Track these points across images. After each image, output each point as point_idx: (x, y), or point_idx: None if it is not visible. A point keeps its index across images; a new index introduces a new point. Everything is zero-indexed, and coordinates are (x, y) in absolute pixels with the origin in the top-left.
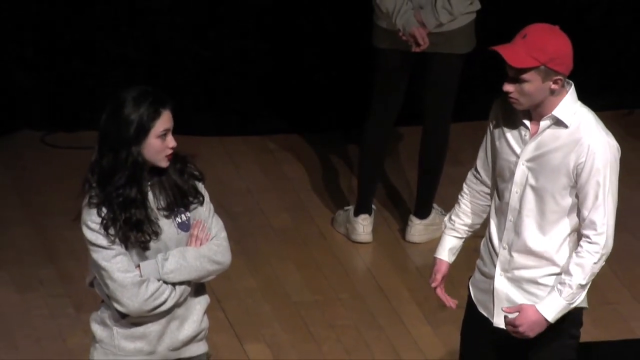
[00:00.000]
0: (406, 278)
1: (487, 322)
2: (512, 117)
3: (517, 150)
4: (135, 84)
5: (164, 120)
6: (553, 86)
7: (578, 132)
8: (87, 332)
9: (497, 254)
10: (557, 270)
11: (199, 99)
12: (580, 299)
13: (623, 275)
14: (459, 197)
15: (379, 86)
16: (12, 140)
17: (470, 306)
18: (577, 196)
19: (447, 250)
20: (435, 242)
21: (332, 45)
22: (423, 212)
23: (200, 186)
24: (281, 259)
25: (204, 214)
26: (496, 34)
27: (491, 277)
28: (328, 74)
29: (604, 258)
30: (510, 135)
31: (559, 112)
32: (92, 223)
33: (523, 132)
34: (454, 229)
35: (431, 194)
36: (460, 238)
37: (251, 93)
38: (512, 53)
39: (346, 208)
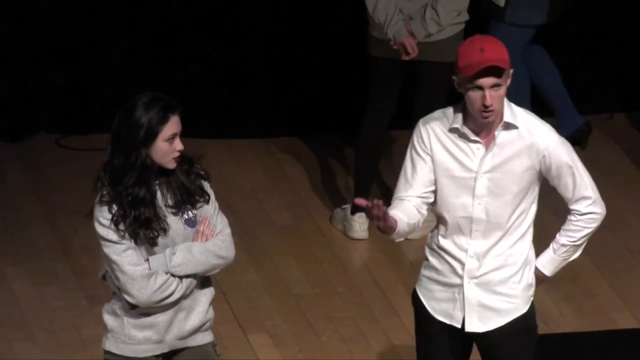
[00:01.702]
0: (401, 272)
1: (449, 328)
2: (452, 136)
3: (472, 165)
4: (145, 89)
5: (172, 125)
6: (508, 82)
7: (528, 130)
8: (100, 323)
9: (461, 264)
10: (524, 265)
11: (205, 104)
12: (576, 255)
13: (604, 268)
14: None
15: (374, 92)
16: (29, 144)
17: (426, 317)
18: (550, 182)
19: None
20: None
21: (330, 55)
22: None
23: (206, 185)
24: (282, 254)
25: (210, 211)
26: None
27: (455, 286)
28: (327, 81)
29: (601, 219)
30: (459, 152)
31: (507, 117)
32: (103, 219)
33: (475, 147)
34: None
35: None
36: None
37: (254, 98)
38: (497, 62)
39: (344, 206)
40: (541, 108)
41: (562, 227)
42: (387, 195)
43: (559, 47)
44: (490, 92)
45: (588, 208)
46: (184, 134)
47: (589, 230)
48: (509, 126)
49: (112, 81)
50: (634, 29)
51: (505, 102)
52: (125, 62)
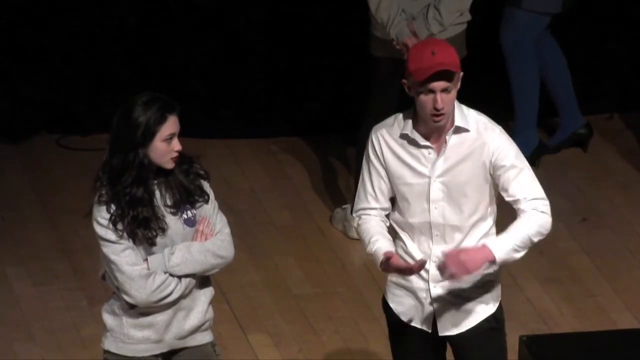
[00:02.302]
0: None
1: (420, 333)
2: (403, 142)
3: (424, 170)
4: (145, 90)
5: (170, 125)
6: (458, 86)
7: (478, 132)
8: (100, 323)
9: (425, 269)
10: (489, 264)
11: (206, 104)
12: (520, 255)
13: (604, 268)
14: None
15: (375, 92)
16: (30, 144)
17: (397, 323)
18: (498, 186)
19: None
20: None
21: (330, 55)
22: None
23: (206, 185)
24: (282, 254)
25: (209, 210)
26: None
27: (421, 290)
28: (327, 81)
29: (549, 228)
30: (410, 158)
31: (457, 120)
32: (101, 219)
33: (426, 152)
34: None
35: None
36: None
37: (255, 99)
38: (448, 66)
39: (344, 206)
40: (547, 105)
41: (513, 223)
42: None
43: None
44: (442, 95)
45: (543, 207)
46: (184, 134)
47: (540, 230)
48: (459, 130)
49: (113, 81)
50: (634, 29)
51: (457, 104)
52: (126, 62)
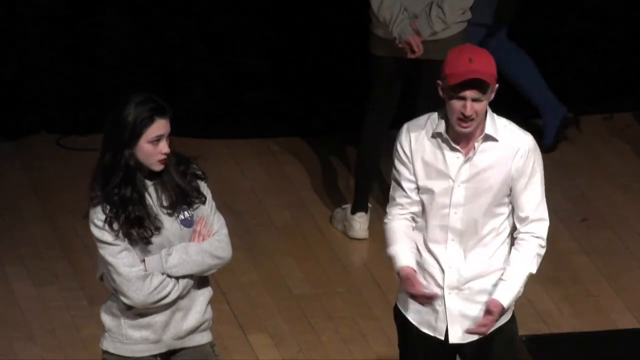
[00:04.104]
0: None
1: (434, 340)
2: (434, 142)
3: (451, 173)
4: (146, 90)
5: (158, 127)
6: (492, 96)
7: (508, 142)
8: (100, 323)
9: (441, 275)
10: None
11: (206, 104)
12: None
13: (604, 268)
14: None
15: (375, 91)
16: (30, 143)
17: (409, 329)
18: (511, 199)
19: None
20: None
21: (330, 54)
22: None
23: (203, 185)
24: (282, 254)
25: (206, 211)
26: None
27: (436, 297)
28: (327, 81)
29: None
30: (438, 159)
31: (488, 129)
32: (97, 221)
33: (454, 155)
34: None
35: None
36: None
37: (255, 98)
38: (483, 75)
39: (344, 206)
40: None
41: (513, 257)
42: (387, 195)
43: (560, 47)
44: (472, 103)
45: (540, 231)
46: (184, 134)
47: (537, 258)
48: (489, 138)
49: (113, 81)
50: (635, 29)
51: (488, 112)
52: (126, 62)
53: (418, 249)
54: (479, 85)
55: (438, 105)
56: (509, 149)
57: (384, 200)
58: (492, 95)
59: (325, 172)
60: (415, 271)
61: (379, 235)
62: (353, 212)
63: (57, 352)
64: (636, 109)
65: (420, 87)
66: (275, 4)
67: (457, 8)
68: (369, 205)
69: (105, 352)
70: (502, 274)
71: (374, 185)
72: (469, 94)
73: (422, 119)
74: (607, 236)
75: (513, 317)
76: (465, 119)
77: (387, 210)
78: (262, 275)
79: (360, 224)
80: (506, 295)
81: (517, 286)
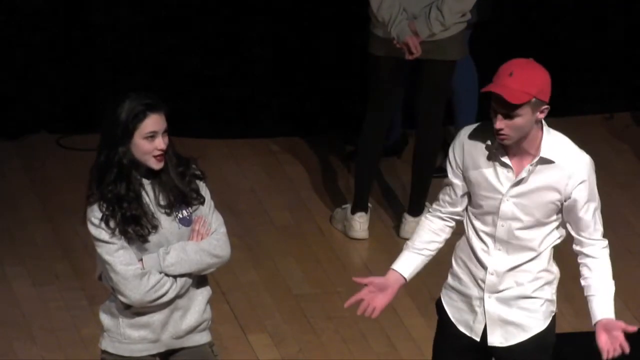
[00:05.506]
0: None
1: (468, 340)
2: (487, 152)
3: (501, 188)
4: (143, 89)
5: (152, 123)
6: (539, 116)
7: (564, 164)
8: (100, 323)
9: (482, 278)
10: (546, 279)
11: (205, 104)
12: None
13: None
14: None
15: (375, 92)
16: (30, 143)
17: (446, 325)
18: (563, 217)
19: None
20: None
21: (330, 54)
22: (416, 210)
23: (202, 186)
24: (282, 254)
25: (205, 210)
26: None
27: (475, 298)
28: (327, 81)
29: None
30: (492, 172)
31: (544, 151)
32: (94, 219)
33: (505, 171)
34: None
35: (424, 193)
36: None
37: (254, 98)
38: (508, 91)
39: (344, 206)
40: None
41: (590, 275)
42: (388, 195)
43: (559, 47)
44: (504, 120)
45: (604, 248)
46: (185, 135)
47: (610, 267)
48: (544, 160)
49: (113, 81)
50: (635, 29)
51: (545, 130)
52: (126, 62)
53: (462, 251)
54: (502, 101)
55: (439, 105)
56: (564, 172)
57: (384, 200)
58: (538, 114)
59: (325, 172)
60: (388, 281)
61: (379, 235)
62: (353, 212)
63: (57, 352)
64: (636, 109)
65: (419, 87)
66: (276, 4)
67: (457, 11)
68: (369, 205)
69: (105, 352)
70: (592, 290)
71: (373, 185)
72: (496, 106)
73: (480, 125)
74: (607, 236)
75: (552, 324)
76: (497, 131)
77: (432, 205)
78: (262, 275)
79: (360, 224)
80: (607, 311)
81: (611, 300)
